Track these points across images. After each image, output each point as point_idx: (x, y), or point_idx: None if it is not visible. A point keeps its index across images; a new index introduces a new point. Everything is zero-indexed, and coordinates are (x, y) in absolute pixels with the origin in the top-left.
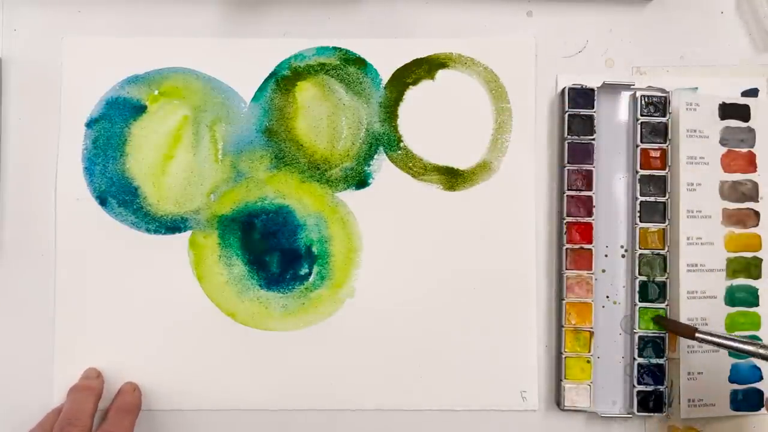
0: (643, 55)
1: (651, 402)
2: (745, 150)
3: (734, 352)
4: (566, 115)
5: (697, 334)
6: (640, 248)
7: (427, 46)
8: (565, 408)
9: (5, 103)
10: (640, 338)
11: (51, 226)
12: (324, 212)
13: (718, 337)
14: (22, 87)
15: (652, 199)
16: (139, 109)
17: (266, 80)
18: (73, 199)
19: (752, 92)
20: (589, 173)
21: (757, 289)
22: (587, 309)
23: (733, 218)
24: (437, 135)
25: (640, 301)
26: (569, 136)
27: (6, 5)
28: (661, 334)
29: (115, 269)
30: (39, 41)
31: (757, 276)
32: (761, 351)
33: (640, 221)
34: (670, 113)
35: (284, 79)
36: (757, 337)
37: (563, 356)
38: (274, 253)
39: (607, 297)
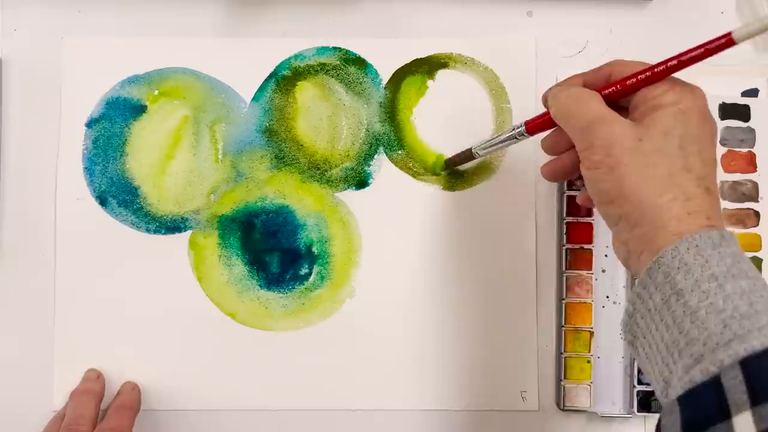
0: (643, 55)
1: (651, 402)
2: (745, 150)
3: (507, 144)
4: None
5: (473, 151)
6: None
7: (427, 46)
8: (565, 408)
9: (5, 103)
10: None
11: (51, 226)
12: (324, 212)
13: (488, 142)
14: (22, 87)
15: None
16: (139, 109)
17: (266, 80)
18: (73, 199)
19: (752, 92)
20: None
21: None
22: (587, 309)
23: (733, 218)
24: (437, 135)
25: None
26: None
27: (6, 5)
28: None
29: (115, 269)
30: (39, 41)
31: None
32: (517, 130)
33: None
34: None
35: (284, 79)
36: None
37: (563, 356)
38: (274, 253)
39: (607, 297)
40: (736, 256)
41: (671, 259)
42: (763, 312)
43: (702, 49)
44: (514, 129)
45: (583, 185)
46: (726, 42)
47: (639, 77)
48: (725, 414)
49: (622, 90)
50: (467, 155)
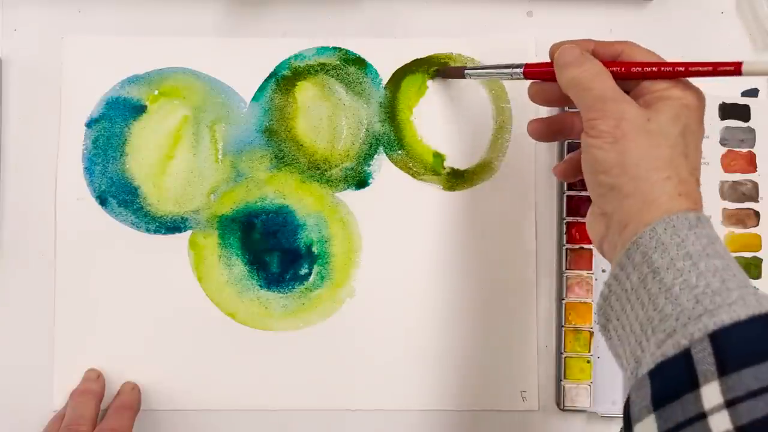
0: None
1: None
2: (745, 150)
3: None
4: None
5: (466, 72)
6: None
7: (427, 46)
8: (565, 408)
9: (5, 103)
10: None
11: (51, 226)
12: (324, 212)
13: (482, 67)
14: (22, 87)
15: None
16: (139, 109)
17: (266, 80)
18: (73, 199)
19: (752, 92)
20: None
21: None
22: (587, 309)
23: (733, 218)
24: (437, 135)
25: None
26: (570, 138)
27: (6, 5)
28: None
29: (115, 269)
30: (39, 41)
31: (757, 276)
32: (513, 70)
33: None
34: None
35: (284, 79)
36: None
37: (563, 356)
38: (274, 253)
39: None
40: (711, 237)
41: (649, 239)
42: (734, 289)
43: (710, 68)
44: (512, 67)
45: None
46: (734, 70)
47: (646, 69)
48: (694, 384)
49: (626, 74)
50: (459, 73)
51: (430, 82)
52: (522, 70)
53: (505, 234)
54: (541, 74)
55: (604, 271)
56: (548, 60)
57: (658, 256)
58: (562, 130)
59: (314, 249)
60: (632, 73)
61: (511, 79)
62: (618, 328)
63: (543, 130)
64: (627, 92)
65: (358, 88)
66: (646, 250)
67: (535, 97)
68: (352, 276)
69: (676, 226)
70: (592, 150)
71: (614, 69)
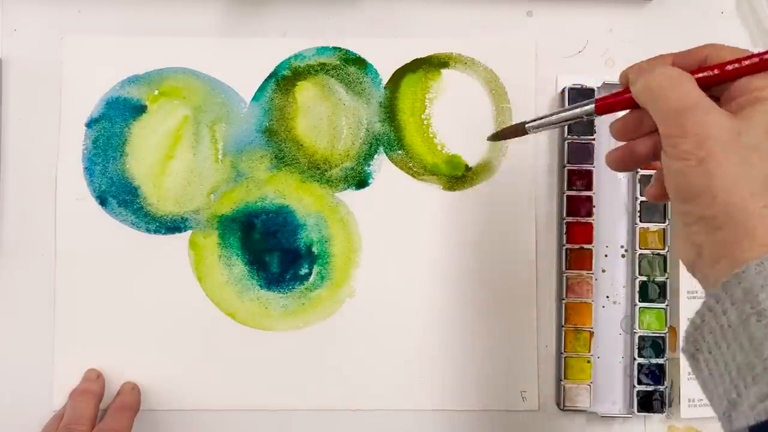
0: (643, 55)
1: (651, 402)
2: None
3: (567, 123)
4: None
5: (527, 126)
6: (640, 248)
7: (427, 46)
8: (565, 408)
9: (5, 103)
10: (640, 338)
11: (51, 226)
12: (324, 212)
13: (545, 117)
14: (22, 87)
15: None
16: (139, 109)
17: (266, 80)
18: (73, 199)
19: None
20: (589, 173)
21: None
22: (587, 309)
23: None
24: (437, 135)
25: (640, 301)
26: (569, 136)
27: (6, 5)
28: (661, 334)
29: (115, 269)
30: (39, 41)
31: None
32: (582, 109)
33: (641, 221)
34: None
35: (284, 79)
36: None
37: (563, 356)
38: (274, 253)
39: (607, 297)
40: None
41: (755, 274)
42: None
43: None
44: (579, 107)
45: (651, 180)
46: None
47: (743, 63)
48: None
49: (721, 76)
50: (519, 130)
51: (430, 82)
52: (593, 106)
53: (505, 234)
54: (615, 105)
55: (604, 271)
56: (617, 87)
57: (765, 296)
58: (646, 154)
59: (314, 249)
60: (728, 73)
61: (583, 120)
62: (710, 362)
63: (621, 160)
64: (716, 98)
65: (358, 88)
66: (750, 287)
67: (619, 134)
68: (352, 276)
69: None
70: (674, 174)
71: (704, 74)
